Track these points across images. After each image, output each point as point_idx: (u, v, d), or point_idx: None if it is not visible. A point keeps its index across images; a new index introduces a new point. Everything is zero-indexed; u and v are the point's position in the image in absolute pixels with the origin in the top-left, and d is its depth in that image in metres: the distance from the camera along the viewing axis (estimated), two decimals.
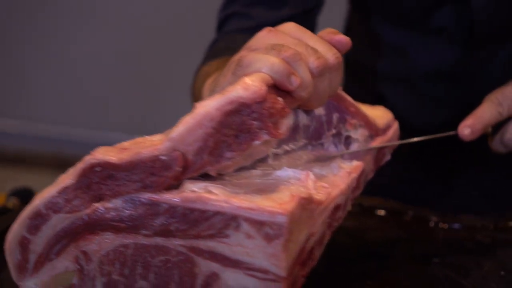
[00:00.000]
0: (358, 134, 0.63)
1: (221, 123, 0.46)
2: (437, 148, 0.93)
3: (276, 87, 0.49)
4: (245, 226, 0.45)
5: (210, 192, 0.46)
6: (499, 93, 0.69)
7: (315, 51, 0.54)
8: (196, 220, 0.46)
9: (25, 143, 2.44)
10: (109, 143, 0.51)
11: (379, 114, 0.68)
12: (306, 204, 0.47)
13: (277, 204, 0.45)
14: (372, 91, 1.00)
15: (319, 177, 0.55)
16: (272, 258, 0.45)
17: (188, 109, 0.49)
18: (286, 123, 0.50)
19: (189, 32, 2.25)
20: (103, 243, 0.49)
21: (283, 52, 0.52)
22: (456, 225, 0.79)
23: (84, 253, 0.49)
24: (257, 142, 0.47)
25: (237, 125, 0.46)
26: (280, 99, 0.49)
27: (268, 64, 0.51)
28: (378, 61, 0.99)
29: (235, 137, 0.47)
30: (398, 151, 0.70)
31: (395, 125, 0.69)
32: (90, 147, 0.50)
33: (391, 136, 0.67)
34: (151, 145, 0.47)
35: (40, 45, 2.45)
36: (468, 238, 0.75)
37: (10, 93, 2.51)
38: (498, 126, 0.70)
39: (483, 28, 0.87)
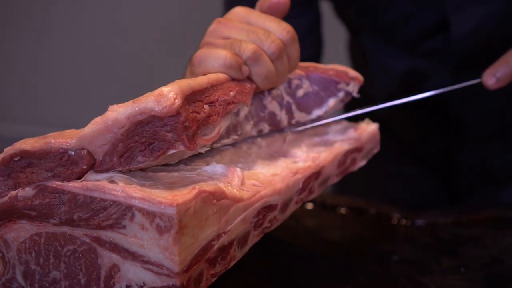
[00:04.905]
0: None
1: (131, 131, 0.45)
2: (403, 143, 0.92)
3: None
4: (139, 217, 0.44)
5: (112, 182, 0.46)
6: None
7: (268, 34, 0.55)
8: (96, 209, 0.45)
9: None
10: None
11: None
12: (211, 198, 0.45)
13: (170, 194, 0.43)
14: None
15: (253, 175, 0.52)
16: (165, 251, 0.43)
17: None
18: (217, 128, 0.49)
19: (187, 33, 2.15)
20: (20, 231, 0.49)
21: (244, 53, 0.54)
22: (419, 221, 0.76)
23: (4, 240, 0.50)
24: (172, 151, 0.46)
25: (149, 134, 0.45)
26: (206, 106, 0.48)
27: (219, 59, 0.53)
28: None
29: (149, 145, 0.46)
30: None
31: (373, 127, 0.65)
32: None
33: (366, 139, 0.63)
34: (65, 136, 0.47)
35: (30, 46, 2.39)
36: (429, 235, 0.72)
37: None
38: None
39: (465, 57, 0.85)
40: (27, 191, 0.48)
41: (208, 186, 0.46)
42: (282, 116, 0.59)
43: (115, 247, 0.46)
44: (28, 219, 0.48)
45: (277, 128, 0.60)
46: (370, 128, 0.64)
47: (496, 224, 0.75)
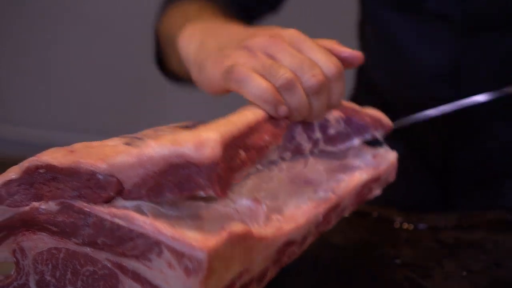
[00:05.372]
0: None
1: (164, 171, 0.44)
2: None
3: None
4: (167, 254, 0.43)
5: (140, 211, 0.45)
6: None
7: (312, 65, 0.52)
8: (122, 238, 0.45)
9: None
10: None
11: None
12: (240, 240, 0.45)
13: (201, 237, 0.43)
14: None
15: (277, 208, 0.52)
16: None
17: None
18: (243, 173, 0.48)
19: None
20: (38, 242, 0.48)
21: (279, 79, 0.51)
22: (421, 225, 0.77)
23: (21, 248, 0.49)
24: (201, 194, 0.45)
25: (182, 176, 0.44)
26: (241, 152, 0.46)
27: (258, 91, 0.51)
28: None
29: (179, 184, 0.44)
30: None
31: (392, 156, 0.64)
32: None
33: (385, 169, 0.63)
34: (95, 157, 0.46)
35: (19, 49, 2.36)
36: (431, 238, 0.73)
37: None
38: None
39: (478, 16, 0.82)
40: (51, 206, 0.47)
41: (237, 227, 0.45)
42: (307, 147, 0.58)
43: (138, 277, 0.45)
44: (48, 232, 0.48)
45: (297, 153, 0.59)
46: (389, 156, 0.64)
47: (498, 227, 0.76)
